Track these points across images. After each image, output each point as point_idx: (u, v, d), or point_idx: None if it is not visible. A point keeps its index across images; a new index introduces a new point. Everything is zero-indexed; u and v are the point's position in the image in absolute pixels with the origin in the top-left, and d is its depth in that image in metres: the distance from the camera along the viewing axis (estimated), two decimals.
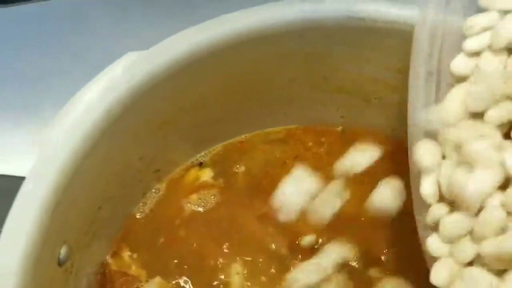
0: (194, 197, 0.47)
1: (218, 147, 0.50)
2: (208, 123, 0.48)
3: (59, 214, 0.36)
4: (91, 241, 0.43)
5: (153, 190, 0.48)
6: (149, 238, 0.46)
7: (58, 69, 0.56)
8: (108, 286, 0.43)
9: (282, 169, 0.48)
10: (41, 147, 0.35)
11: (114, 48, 0.41)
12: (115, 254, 0.45)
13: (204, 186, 0.48)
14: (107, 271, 0.43)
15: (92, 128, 0.38)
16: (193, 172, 0.49)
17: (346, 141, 0.49)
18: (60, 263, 0.38)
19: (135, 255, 0.45)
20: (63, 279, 0.39)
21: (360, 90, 0.47)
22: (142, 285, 0.43)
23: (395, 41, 0.41)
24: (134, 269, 0.44)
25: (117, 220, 0.46)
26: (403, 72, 0.38)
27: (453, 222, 0.30)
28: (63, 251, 0.38)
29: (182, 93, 0.44)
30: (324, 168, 0.48)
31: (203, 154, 0.50)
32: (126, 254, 0.45)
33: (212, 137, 0.50)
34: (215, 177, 0.49)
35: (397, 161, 0.46)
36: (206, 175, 0.49)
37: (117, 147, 0.42)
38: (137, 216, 0.47)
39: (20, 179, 0.36)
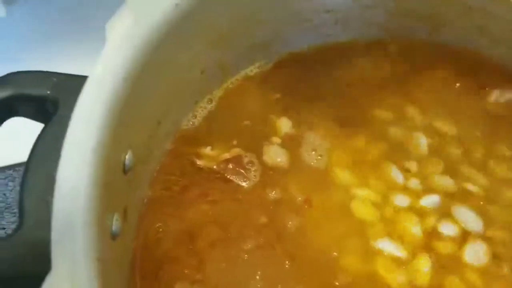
0: None
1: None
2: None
3: (124, 115, 0.33)
4: (149, 157, 0.41)
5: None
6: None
7: None
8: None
9: None
10: (110, 35, 0.32)
11: None
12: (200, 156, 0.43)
13: None
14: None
15: (162, 19, 0.35)
16: None
17: None
18: (125, 170, 0.35)
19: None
20: (127, 187, 0.37)
21: None
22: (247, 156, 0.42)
23: None
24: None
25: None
26: None
27: None
28: (128, 157, 0.35)
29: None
30: None
31: (257, 65, 0.47)
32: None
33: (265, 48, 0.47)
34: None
35: None
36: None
37: (182, 48, 0.39)
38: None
39: None
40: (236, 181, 0.41)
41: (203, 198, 0.40)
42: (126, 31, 0.34)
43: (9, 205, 0.54)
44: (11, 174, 0.56)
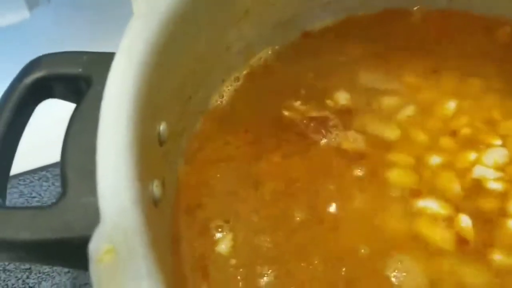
0: None
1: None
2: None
3: (155, 84, 0.33)
4: (182, 133, 0.41)
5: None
6: None
7: None
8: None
9: None
10: (135, 7, 0.33)
11: None
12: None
13: None
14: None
15: None
16: None
17: None
18: (160, 142, 0.35)
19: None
20: (163, 159, 0.37)
21: None
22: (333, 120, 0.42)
23: None
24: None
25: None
26: None
27: None
28: (162, 128, 0.35)
29: None
30: None
31: (281, 42, 0.48)
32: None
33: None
34: None
35: None
36: None
37: (208, 22, 0.39)
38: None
39: None
40: (313, 138, 0.41)
41: (276, 150, 0.41)
42: (151, 3, 0.34)
43: (45, 204, 0.54)
44: (45, 174, 0.57)
